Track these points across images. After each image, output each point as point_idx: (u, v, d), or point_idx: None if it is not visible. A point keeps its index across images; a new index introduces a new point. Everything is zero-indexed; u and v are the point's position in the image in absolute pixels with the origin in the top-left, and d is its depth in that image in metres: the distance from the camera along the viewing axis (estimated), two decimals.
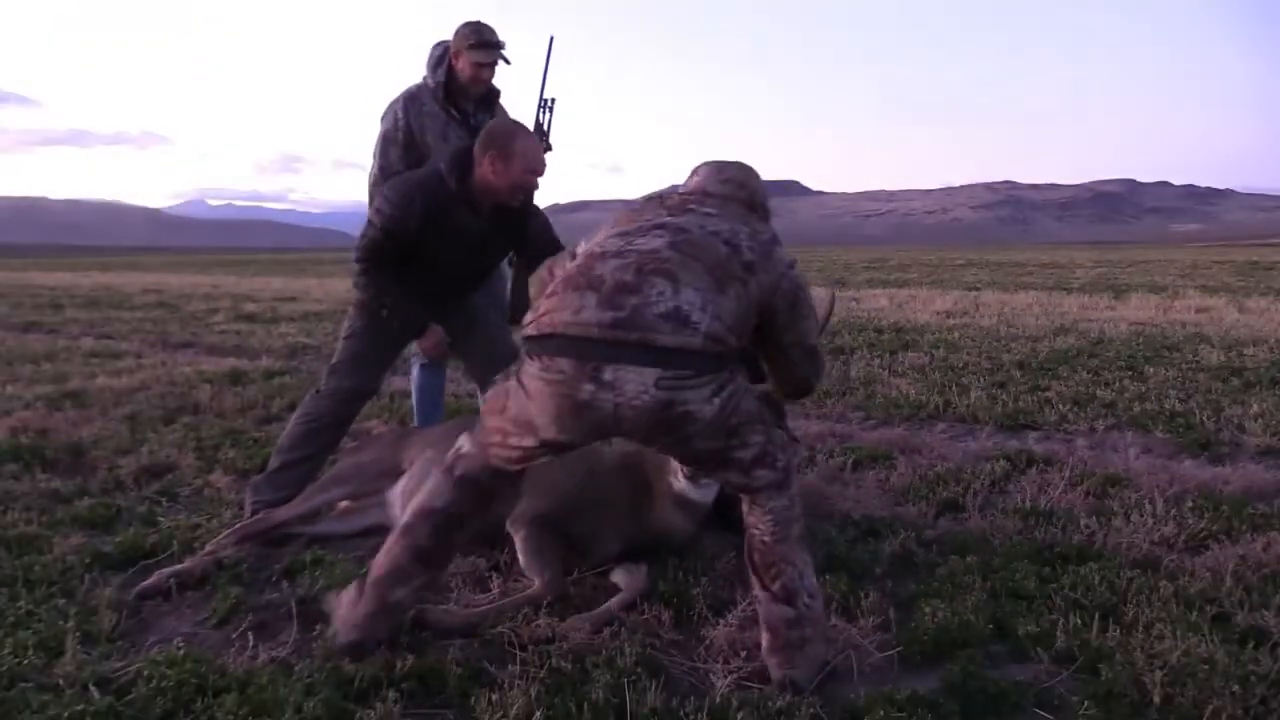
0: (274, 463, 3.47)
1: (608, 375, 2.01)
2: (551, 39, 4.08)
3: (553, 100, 4.00)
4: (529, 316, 2.19)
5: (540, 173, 3.29)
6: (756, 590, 2.28)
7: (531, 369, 2.11)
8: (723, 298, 2.12)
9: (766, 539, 2.25)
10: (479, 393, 3.70)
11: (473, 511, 2.34)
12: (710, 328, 2.06)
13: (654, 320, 2.02)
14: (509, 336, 3.66)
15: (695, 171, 2.57)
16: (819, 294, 3.02)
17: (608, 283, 2.08)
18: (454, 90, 3.88)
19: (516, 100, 4.14)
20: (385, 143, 3.89)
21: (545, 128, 4.02)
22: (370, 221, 3.25)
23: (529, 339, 2.15)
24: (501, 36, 3.85)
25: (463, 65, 3.80)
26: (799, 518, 2.30)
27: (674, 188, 2.63)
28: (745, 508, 2.30)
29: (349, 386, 3.47)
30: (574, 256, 2.39)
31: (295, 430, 3.48)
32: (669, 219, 2.28)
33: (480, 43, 3.78)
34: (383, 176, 3.86)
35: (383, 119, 3.90)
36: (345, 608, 2.31)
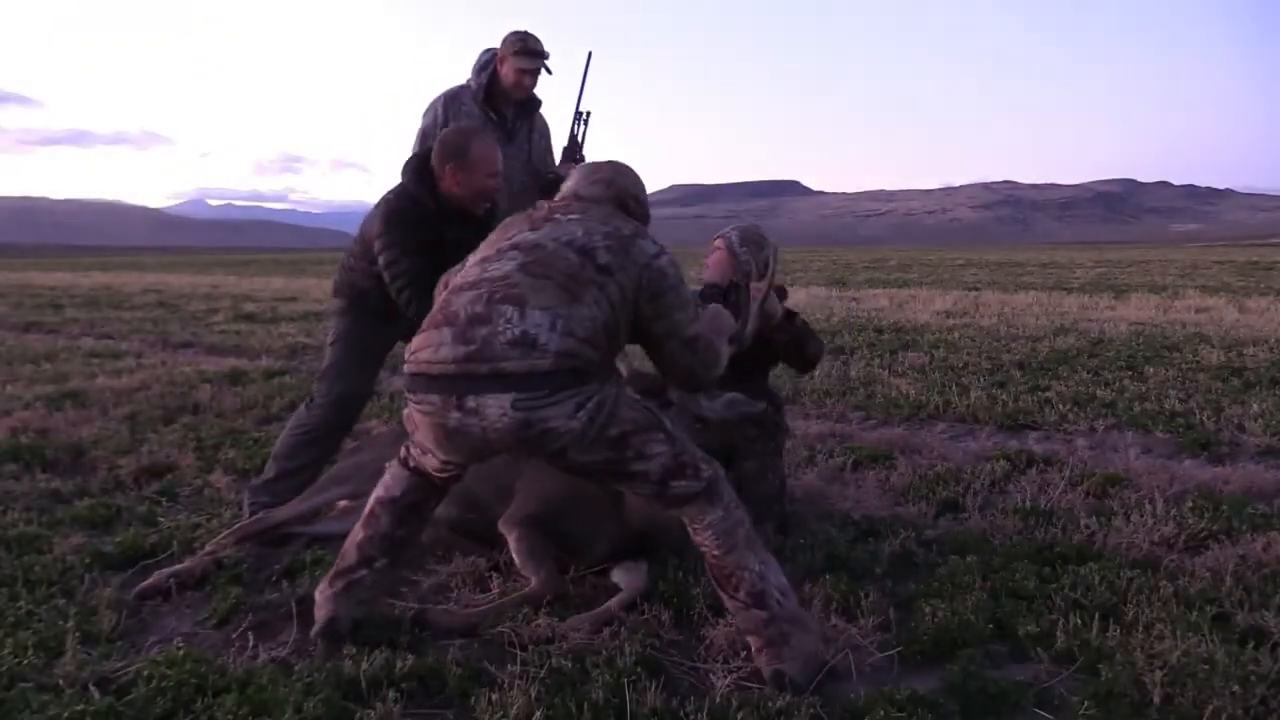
0: (271, 470, 3.46)
1: (471, 403, 2.12)
2: (589, 55, 4.17)
3: (588, 114, 4.16)
4: (407, 353, 2.28)
5: (498, 174, 3.30)
6: (727, 604, 2.30)
7: (412, 402, 2.24)
8: (577, 308, 2.17)
9: (716, 553, 2.27)
10: None
11: (429, 499, 2.49)
12: (561, 345, 2.11)
13: (502, 349, 2.10)
14: None
15: (571, 175, 2.64)
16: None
17: (461, 317, 2.18)
18: (495, 94, 4.02)
19: (547, 111, 4.29)
20: (423, 138, 4.04)
21: (580, 139, 4.17)
22: (393, 261, 3.23)
23: (406, 377, 2.26)
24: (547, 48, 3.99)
25: (506, 71, 3.95)
26: (742, 521, 2.30)
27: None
28: (689, 530, 2.33)
29: (340, 392, 3.46)
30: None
31: (290, 440, 3.47)
32: (528, 234, 2.33)
33: (524, 50, 3.92)
34: None
35: (424, 115, 4.06)
36: (318, 594, 2.46)
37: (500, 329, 2.12)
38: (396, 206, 3.29)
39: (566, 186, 2.59)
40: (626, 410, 2.23)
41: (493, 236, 2.45)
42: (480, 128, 3.34)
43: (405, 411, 2.36)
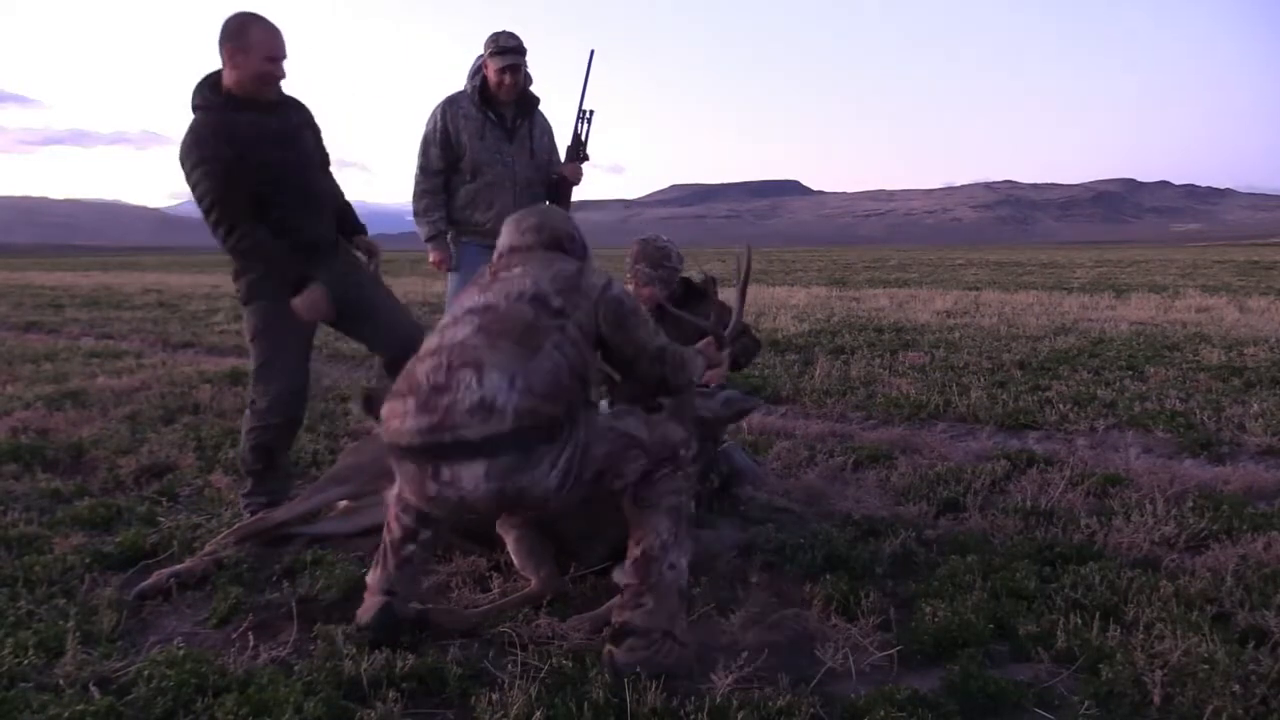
0: (249, 480, 3.40)
1: (445, 474, 2.15)
2: (592, 53, 4.22)
3: (591, 112, 4.23)
4: (383, 414, 2.29)
5: (280, 58, 3.13)
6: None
7: (394, 464, 2.30)
8: (537, 361, 2.19)
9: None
10: (385, 373, 3.46)
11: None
12: (520, 403, 2.12)
13: (463, 418, 2.11)
14: (397, 304, 3.60)
15: (502, 231, 2.66)
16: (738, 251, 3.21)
17: (424, 386, 2.18)
18: (489, 96, 4.15)
19: (552, 110, 4.31)
20: (425, 144, 4.22)
21: (583, 138, 4.23)
22: (196, 183, 3.05)
23: (385, 443, 2.30)
24: (526, 43, 4.06)
25: (489, 72, 4.09)
26: (678, 491, 2.33)
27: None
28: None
29: (279, 388, 3.30)
30: None
31: (247, 446, 3.35)
32: (479, 299, 2.37)
33: (497, 50, 4.04)
34: (422, 175, 4.22)
35: (426, 123, 4.21)
36: (368, 594, 2.46)
37: (460, 396, 2.12)
38: (193, 122, 3.12)
39: (501, 242, 2.62)
40: (599, 448, 2.27)
41: (453, 305, 2.47)
42: (258, 14, 3.15)
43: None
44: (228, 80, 3.13)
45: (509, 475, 2.13)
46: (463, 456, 2.12)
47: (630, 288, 3.63)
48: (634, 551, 2.31)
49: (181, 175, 3.13)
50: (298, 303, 3.20)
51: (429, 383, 2.17)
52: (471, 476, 2.13)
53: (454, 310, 2.41)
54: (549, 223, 2.60)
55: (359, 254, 3.57)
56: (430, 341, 2.33)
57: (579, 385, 2.30)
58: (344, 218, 3.54)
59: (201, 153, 3.04)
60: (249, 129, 3.11)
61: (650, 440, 2.34)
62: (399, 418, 2.19)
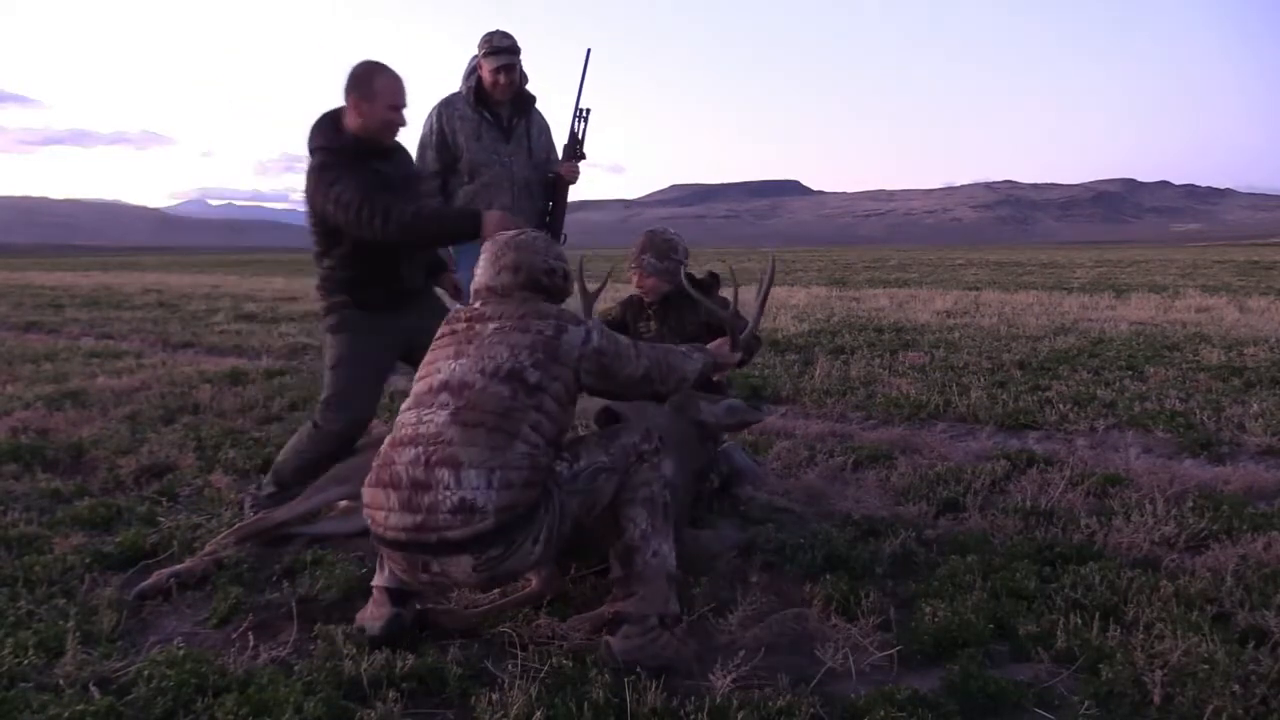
0: (271, 486, 3.41)
1: (435, 567, 2.20)
2: (589, 52, 4.22)
3: (588, 111, 4.24)
4: (364, 495, 2.31)
5: (403, 106, 3.23)
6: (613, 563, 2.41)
7: (382, 549, 2.32)
8: (514, 448, 2.18)
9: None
10: None
11: None
12: (500, 500, 2.13)
13: (445, 519, 2.13)
14: None
15: (479, 262, 2.55)
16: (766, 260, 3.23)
17: (404, 481, 2.19)
18: (484, 95, 4.15)
19: (550, 108, 4.24)
20: (422, 146, 4.21)
21: (580, 137, 4.24)
22: (340, 194, 3.07)
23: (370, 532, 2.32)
24: (523, 43, 4.08)
25: (484, 72, 4.09)
26: (650, 482, 2.37)
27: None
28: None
29: (348, 419, 3.33)
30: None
31: (297, 462, 3.36)
32: (454, 369, 2.31)
33: (491, 50, 4.04)
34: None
35: (423, 125, 4.21)
36: (373, 602, 2.44)
37: (441, 497, 2.13)
38: (318, 160, 3.19)
39: (477, 278, 2.53)
40: (571, 502, 2.29)
41: (430, 353, 2.43)
42: (382, 64, 3.22)
43: None
44: (351, 125, 3.21)
45: (496, 564, 2.18)
46: (449, 553, 2.15)
47: (634, 279, 3.64)
48: (617, 546, 2.35)
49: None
50: (488, 228, 3.20)
51: (409, 477, 2.17)
52: (460, 569, 2.18)
53: (430, 374, 2.35)
54: (523, 260, 2.48)
55: (442, 291, 3.65)
56: (407, 423, 2.28)
57: (553, 450, 2.30)
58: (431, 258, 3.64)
59: (335, 172, 3.12)
60: (372, 177, 3.17)
61: (613, 459, 2.35)
62: (383, 511, 2.21)
